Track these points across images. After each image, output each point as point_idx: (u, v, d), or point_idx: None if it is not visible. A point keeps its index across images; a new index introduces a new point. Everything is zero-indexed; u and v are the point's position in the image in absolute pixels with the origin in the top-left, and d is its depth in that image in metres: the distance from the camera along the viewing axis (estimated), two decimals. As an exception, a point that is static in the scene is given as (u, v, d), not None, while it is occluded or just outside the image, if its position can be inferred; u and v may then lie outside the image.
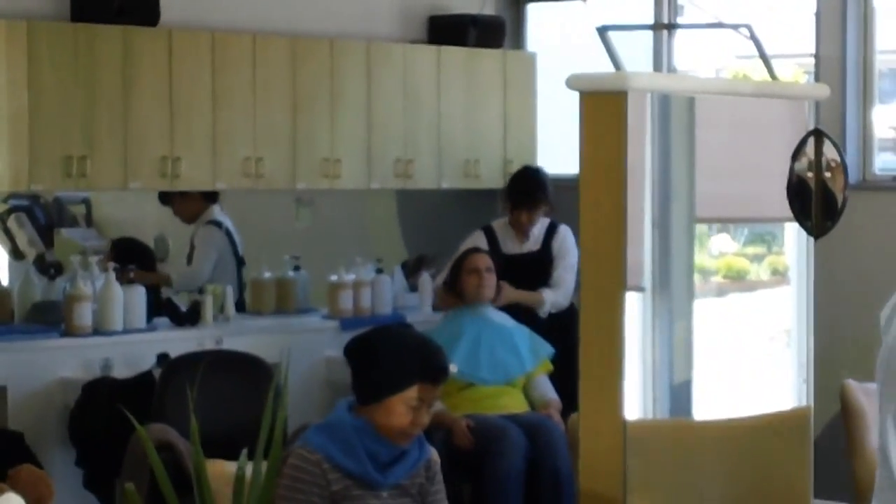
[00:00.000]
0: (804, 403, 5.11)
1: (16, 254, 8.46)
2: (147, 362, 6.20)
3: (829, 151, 4.81)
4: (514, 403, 6.07)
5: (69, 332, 6.23)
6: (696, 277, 4.89)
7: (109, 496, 5.97)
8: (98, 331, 6.29)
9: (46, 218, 8.60)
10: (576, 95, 4.52)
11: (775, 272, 5.27)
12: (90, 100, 6.46)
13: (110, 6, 6.52)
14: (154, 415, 5.49)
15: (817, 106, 5.27)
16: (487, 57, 7.83)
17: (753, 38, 5.12)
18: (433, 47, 7.70)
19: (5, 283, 6.87)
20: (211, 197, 7.34)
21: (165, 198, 7.39)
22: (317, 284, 7.23)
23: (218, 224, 7.34)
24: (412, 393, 3.73)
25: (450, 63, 7.69)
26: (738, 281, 5.15)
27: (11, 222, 8.46)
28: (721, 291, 5.11)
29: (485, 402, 6.01)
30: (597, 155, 4.49)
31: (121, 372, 6.15)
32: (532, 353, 6.16)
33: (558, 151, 7.76)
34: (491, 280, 6.25)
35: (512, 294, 6.40)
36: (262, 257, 7.35)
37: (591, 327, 4.51)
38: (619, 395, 4.45)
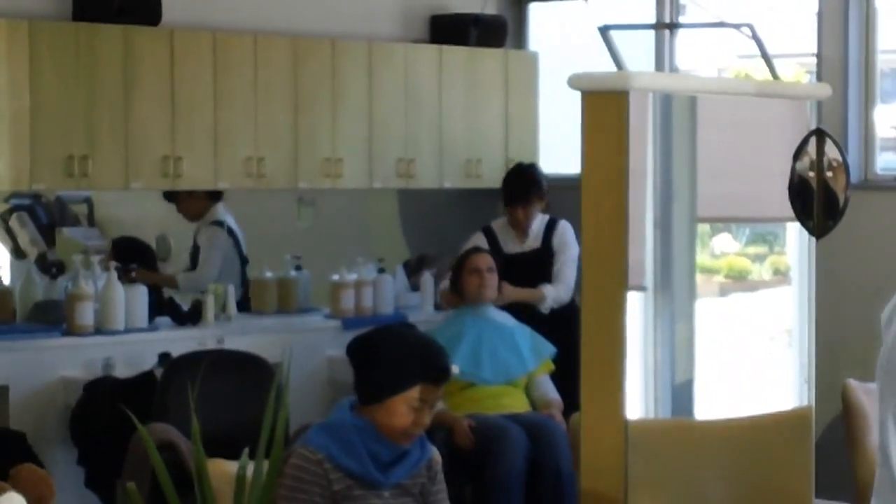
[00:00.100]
0: (805, 403, 5.11)
1: (17, 253, 8.46)
2: (148, 362, 6.20)
3: (831, 151, 4.80)
4: (516, 403, 6.07)
5: (71, 331, 6.24)
6: (698, 277, 4.88)
7: (111, 496, 5.98)
8: (100, 330, 6.29)
9: (48, 217, 8.60)
10: (577, 95, 4.52)
11: (777, 272, 5.27)
12: (91, 99, 6.46)
13: (111, 6, 6.52)
14: (155, 414, 5.49)
15: (819, 105, 5.27)
16: (489, 56, 7.83)
17: (755, 37, 5.12)
18: (435, 47, 7.70)
19: (7, 282, 6.86)
20: (215, 196, 7.34)
21: (170, 195, 7.39)
22: (318, 284, 7.23)
23: (222, 224, 7.34)
24: (414, 393, 3.72)
25: (451, 63, 7.69)
26: (739, 281, 5.15)
27: (13, 221, 8.46)
28: (723, 291, 5.11)
29: (486, 401, 6.01)
30: (598, 154, 4.49)
31: (122, 371, 6.15)
32: (533, 353, 6.16)
33: (560, 151, 7.76)
34: (492, 280, 6.24)
35: (512, 293, 6.40)
36: (263, 257, 7.35)
37: (593, 327, 4.50)
38: (621, 394, 4.45)
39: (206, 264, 7.24)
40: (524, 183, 6.74)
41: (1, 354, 6.03)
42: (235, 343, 6.27)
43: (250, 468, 3.71)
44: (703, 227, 4.93)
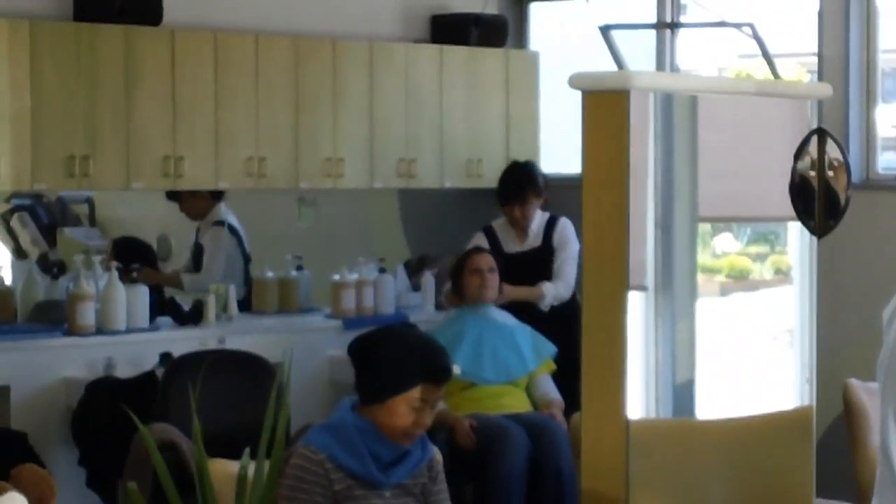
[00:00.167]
0: (807, 403, 5.11)
1: (19, 253, 8.47)
2: (150, 362, 6.20)
3: (832, 151, 4.80)
4: (517, 403, 6.07)
5: (72, 331, 6.24)
6: (699, 277, 4.88)
7: (112, 496, 5.98)
8: (101, 330, 6.29)
9: (49, 217, 8.61)
10: (578, 94, 4.52)
11: (778, 271, 5.27)
12: (93, 99, 6.46)
13: (112, 6, 6.52)
14: (157, 414, 5.49)
15: (820, 105, 5.27)
16: (490, 56, 7.83)
17: (756, 37, 5.12)
18: (435, 47, 7.70)
19: (8, 282, 6.86)
20: (217, 195, 7.35)
21: (172, 194, 7.39)
22: (319, 284, 7.24)
23: (224, 224, 7.34)
24: (415, 394, 3.73)
25: (452, 62, 7.69)
26: (740, 280, 5.15)
27: (14, 222, 8.47)
28: (724, 291, 5.11)
29: (487, 401, 6.01)
30: (599, 154, 4.49)
31: (124, 371, 6.15)
32: (534, 353, 6.16)
33: (561, 151, 7.76)
34: (493, 280, 6.24)
35: (511, 292, 6.40)
36: (264, 257, 7.36)
37: (594, 327, 4.50)
38: (622, 394, 4.45)
39: (211, 265, 7.24)
40: (518, 181, 6.73)
41: (2, 354, 6.03)
42: (236, 343, 6.27)
43: (251, 468, 3.72)
44: (704, 227, 4.93)
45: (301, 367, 6.16)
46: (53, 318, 6.34)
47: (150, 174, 6.67)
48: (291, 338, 6.47)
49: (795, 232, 5.13)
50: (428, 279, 7.33)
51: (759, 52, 5.17)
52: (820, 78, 6.90)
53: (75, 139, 6.41)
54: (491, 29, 7.87)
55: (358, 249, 7.55)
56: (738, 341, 5.01)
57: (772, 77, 5.19)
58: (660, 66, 7.54)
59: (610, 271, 4.48)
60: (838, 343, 6.41)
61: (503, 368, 6.08)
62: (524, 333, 6.19)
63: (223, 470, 4.47)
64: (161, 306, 6.73)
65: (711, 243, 5.04)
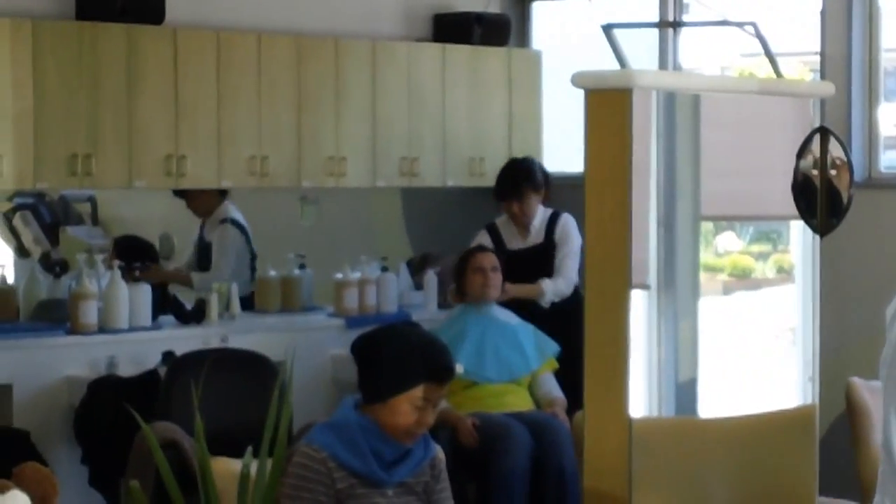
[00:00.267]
0: (809, 401, 5.11)
1: (21, 252, 8.47)
2: (152, 360, 6.20)
3: (835, 149, 4.80)
4: (519, 402, 6.07)
5: (74, 330, 6.24)
6: (702, 275, 4.88)
7: (115, 494, 5.98)
8: (103, 329, 6.30)
9: (52, 216, 8.61)
10: (581, 93, 4.51)
11: (780, 270, 5.27)
12: (95, 98, 6.46)
13: (115, 5, 6.53)
14: (159, 413, 5.49)
15: (823, 104, 5.26)
16: (492, 55, 7.83)
17: (759, 35, 5.11)
18: (438, 45, 7.70)
19: (11, 281, 6.87)
20: (224, 192, 7.36)
21: (179, 191, 7.39)
22: (322, 283, 7.24)
23: (233, 222, 7.34)
24: (417, 393, 3.73)
25: (454, 61, 7.69)
26: (743, 279, 5.14)
27: (17, 220, 8.47)
28: (726, 289, 5.11)
29: (490, 400, 6.01)
30: (602, 153, 4.49)
31: (126, 370, 6.15)
32: (537, 352, 6.16)
33: (563, 149, 7.76)
34: (496, 279, 6.24)
35: (511, 289, 6.39)
36: (267, 255, 7.36)
37: (597, 325, 4.50)
38: (625, 393, 4.45)
39: (220, 263, 7.24)
40: (515, 177, 6.72)
41: (5, 353, 6.04)
42: (239, 342, 6.27)
43: (254, 467, 3.72)
44: (706, 226, 4.92)
45: (303, 366, 6.16)
46: (56, 316, 6.34)
47: (152, 173, 6.67)
48: (294, 336, 6.47)
49: (798, 231, 5.13)
50: (430, 278, 7.33)
51: (762, 51, 5.16)
52: (822, 77, 6.89)
53: (78, 138, 6.42)
54: (493, 28, 7.87)
55: (360, 248, 7.55)
56: (741, 340, 5.01)
57: (774, 76, 5.19)
58: (662, 64, 7.54)
59: (612, 270, 4.47)
60: (841, 342, 6.41)
61: (506, 367, 6.08)
62: (527, 332, 6.19)
63: (225, 468, 4.47)
64: (164, 304, 6.73)
65: (714, 242, 5.04)
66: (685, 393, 4.78)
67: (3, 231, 8.59)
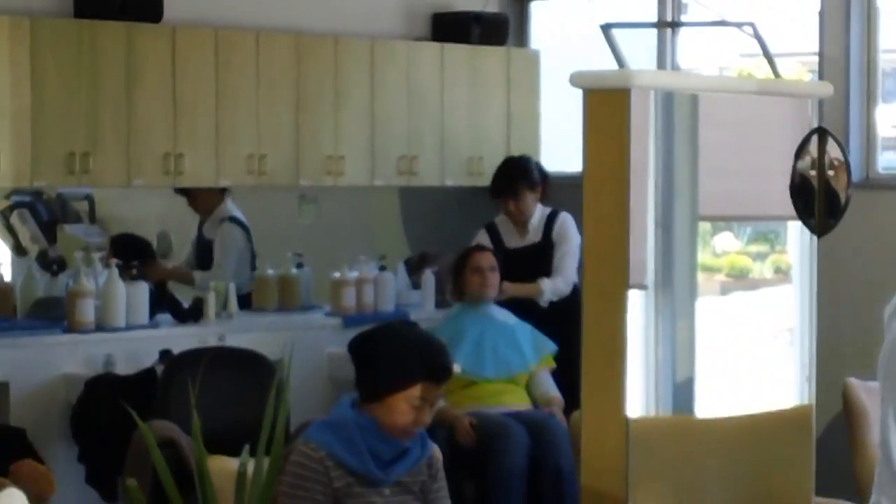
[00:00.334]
0: (806, 401, 5.11)
1: (18, 250, 8.46)
2: (149, 359, 6.20)
3: (833, 150, 4.80)
4: (517, 400, 6.07)
5: (72, 328, 6.24)
6: (699, 275, 4.88)
7: (111, 492, 5.98)
8: (100, 327, 6.30)
9: (49, 214, 8.60)
10: (579, 93, 4.51)
11: (778, 270, 5.27)
12: (93, 96, 6.46)
13: (113, 3, 6.53)
14: (156, 411, 5.49)
15: (821, 104, 5.27)
16: (491, 54, 7.83)
17: (757, 36, 5.11)
18: (437, 45, 7.70)
19: (8, 278, 6.86)
20: (225, 190, 7.36)
21: (182, 188, 7.38)
22: (320, 281, 7.24)
23: (235, 220, 7.35)
24: (415, 392, 3.73)
25: (453, 60, 7.69)
26: (740, 279, 5.14)
27: (14, 218, 8.46)
28: (724, 289, 5.10)
29: (487, 399, 6.01)
30: (600, 152, 4.49)
31: (123, 368, 6.15)
32: (534, 350, 6.16)
33: (561, 149, 7.76)
34: (494, 279, 6.24)
35: (510, 289, 6.39)
36: (265, 254, 7.36)
37: (594, 325, 4.50)
38: (622, 392, 4.45)
39: (223, 261, 7.24)
40: (511, 175, 6.72)
41: (1, 351, 6.03)
42: (236, 340, 6.27)
43: (251, 465, 3.72)
44: (704, 226, 4.92)
45: (301, 365, 6.14)
46: (53, 314, 6.34)
47: (150, 171, 6.67)
48: (291, 335, 6.45)
49: (795, 231, 5.13)
50: (428, 277, 7.33)
51: (760, 52, 5.16)
52: (821, 77, 6.90)
53: (76, 136, 6.41)
54: (492, 27, 7.87)
55: (358, 247, 7.55)
56: (738, 340, 5.01)
57: (772, 76, 5.19)
58: (661, 64, 7.55)
59: (610, 269, 4.47)
60: (838, 342, 6.41)
61: (504, 366, 6.08)
62: (524, 331, 6.19)
63: (223, 467, 4.47)
64: (162, 302, 6.72)
65: (711, 242, 5.04)
66: (682, 392, 4.78)
67: (1, 229, 8.58)
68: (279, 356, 5.69)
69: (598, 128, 4.48)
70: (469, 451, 5.78)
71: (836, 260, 6.42)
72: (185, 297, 6.85)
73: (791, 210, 4.82)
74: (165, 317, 6.65)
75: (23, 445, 5.71)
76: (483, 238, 6.70)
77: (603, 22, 4.77)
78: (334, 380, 6.71)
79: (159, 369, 5.88)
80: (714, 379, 4.87)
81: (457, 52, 7.71)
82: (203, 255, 7.38)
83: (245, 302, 7.04)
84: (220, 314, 6.77)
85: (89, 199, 8.79)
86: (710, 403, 4.86)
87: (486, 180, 7.48)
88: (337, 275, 7.07)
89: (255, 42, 6.97)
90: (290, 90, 7.08)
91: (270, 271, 7.13)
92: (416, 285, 7.47)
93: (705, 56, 8.01)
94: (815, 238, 5.02)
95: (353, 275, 7.10)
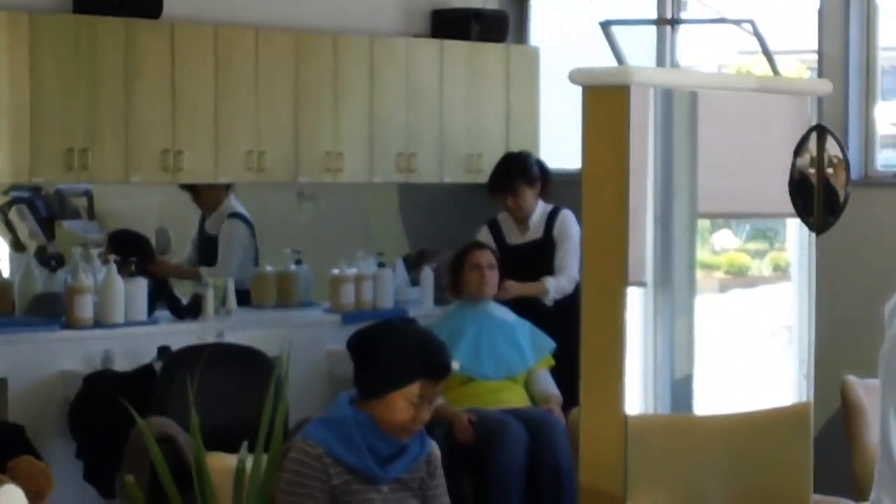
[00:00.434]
0: (804, 399, 5.11)
1: (17, 246, 8.45)
2: (148, 355, 6.20)
3: (832, 147, 4.80)
4: (515, 398, 6.07)
5: (70, 324, 6.23)
6: (698, 273, 4.88)
7: (110, 489, 5.98)
8: (99, 323, 6.29)
9: (48, 210, 8.60)
10: (578, 90, 4.51)
11: (777, 268, 5.27)
12: (92, 92, 6.46)
13: (112, -1, 6.53)
14: (155, 408, 5.50)
15: (820, 102, 5.26)
16: (490, 51, 7.83)
17: (756, 33, 5.11)
18: (436, 41, 7.69)
19: (6, 274, 6.87)
20: (229, 186, 7.36)
21: (187, 184, 7.38)
22: (318, 278, 7.24)
23: (239, 216, 7.35)
24: (414, 389, 3.73)
25: (452, 57, 7.69)
26: (739, 277, 5.14)
27: (13, 214, 8.46)
28: (722, 287, 5.10)
29: (486, 396, 6.01)
30: (599, 150, 4.48)
31: (121, 365, 6.15)
32: (533, 348, 6.16)
33: (561, 146, 7.76)
34: (493, 277, 6.23)
35: (515, 288, 6.39)
36: (263, 251, 7.36)
37: (593, 322, 4.50)
38: (620, 390, 4.45)
39: (228, 257, 7.24)
40: (509, 171, 6.72)
41: (0, 347, 6.03)
42: (235, 337, 6.27)
43: (249, 462, 3.72)
44: (703, 223, 4.92)
45: (299, 361, 6.16)
46: (51, 310, 6.34)
47: (149, 168, 6.67)
48: (290, 332, 6.46)
49: (794, 228, 5.13)
50: (427, 274, 7.33)
51: (759, 49, 5.16)
52: (820, 75, 6.90)
53: (74, 132, 6.41)
54: (491, 24, 7.87)
55: (357, 244, 7.54)
56: (737, 337, 5.01)
57: (772, 73, 5.18)
58: (660, 62, 7.55)
59: (609, 267, 4.47)
60: (836, 340, 6.41)
61: (503, 364, 6.08)
62: (523, 329, 6.19)
63: (221, 463, 4.47)
64: (160, 297, 6.72)
65: (710, 239, 5.04)
66: (681, 390, 4.78)
67: (-1, 225, 8.59)
68: (278, 353, 5.70)
69: (598, 125, 4.48)
70: (467, 448, 5.78)
71: (835, 258, 6.42)
72: (183, 294, 6.85)
73: (790, 208, 4.82)
74: (164, 313, 6.65)
75: (21, 442, 5.72)
76: (485, 234, 6.70)
77: (602, 19, 4.77)
78: (333, 377, 6.71)
79: (158, 366, 5.88)
80: (712, 376, 4.87)
81: (456, 49, 7.71)
82: (205, 251, 7.38)
83: (244, 298, 7.03)
84: (219, 311, 6.76)
85: (88, 195, 8.79)
86: (709, 401, 4.86)
87: (484, 177, 7.48)
88: (336, 271, 7.07)
89: (255, 39, 6.97)
90: (290, 87, 7.08)
91: (269, 268, 7.13)
92: (414, 282, 7.47)
93: (704, 53, 8.00)
94: (813, 236, 5.02)
95: (352, 271, 7.10)
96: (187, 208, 7.56)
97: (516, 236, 6.73)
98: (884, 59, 6.97)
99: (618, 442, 4.43)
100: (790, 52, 7.51)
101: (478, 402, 5.97)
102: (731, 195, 4.95)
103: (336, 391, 5.65)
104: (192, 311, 6.65)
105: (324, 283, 7.14)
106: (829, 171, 4.79)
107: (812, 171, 4.79)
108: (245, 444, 3.77)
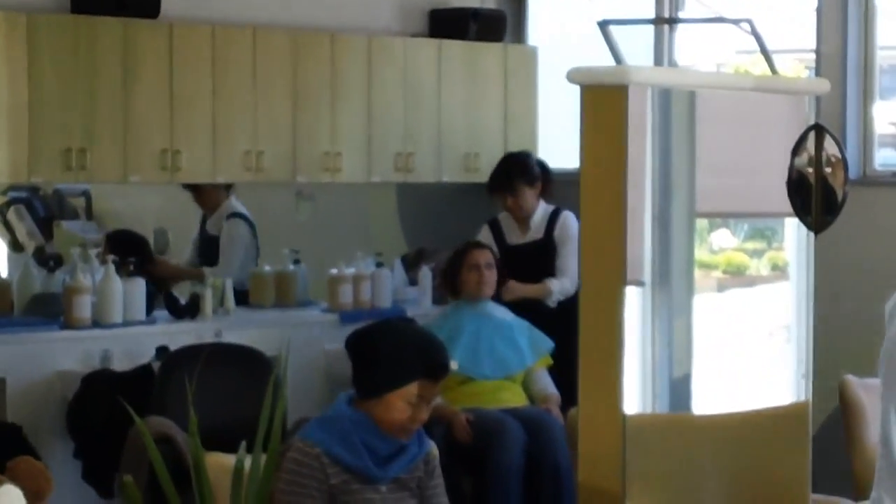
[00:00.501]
0: (803, 398, 5.11)
1: (15, 246, 8.46)
2: (146, 355, 6.20)
3: (830, 147, 4.80)
4: (514, 397, 6.07)
5: (68, 324, 6.23)
6: (696, 272, 4.88)
7: (108, 489, 5.97)
8: (97, 323, 6.29)
9: (46, 210, 8.60)
10: (576, 89, 4.51)
11: (775, 267, 5.27)
12: (90, 92, 6.46)
13: (111, -1, 6.53)
14: (153, 407, 5.49)
15: (818, 101, 5.26)
16: (488, 51, 7.83)
17: (754, 33, 5.11)
18: (434, 41, 7.69)
19: (5, 275, 6.87)
20: (230, 186, 7.36)
21: (188, 184, 7.38)
22: (317, 278, 7.24)
23: (240, 216, 7.35)
24: (412, 389, 3.73)
25: (450, 57, 7.69)
26: (737, 276, 5.14)
27: (11, 214, 8.46)
28: (721, 286, 5.10)
29: (484, 396, 6.01)
30: (597, 149, 4.48)
31: (120, 364, 6.15)
32: (532, 348, 6.16)
33: (559, 145, 7.76)
34: (491, 277, 6.22)
35: (518, 289, 6.39)
36: (262, 250, 7.36)
37: (591, 322, 4.50)
38: (619, 389, 4.45)
39: (230, 257, 7.25)
40: (507, 171, 6.71)
41: (-2, 347, 6.04)
42: (233, 336, 6.27)
43: (248, 462, 3.72)
44: (701, 223, 4.92)
45: (298, 361, 6.16)
46: (50, 310, 6.34)
47: (147, 167, 6.67)
48: (288, 331, 6.45)
49: (792, 228, 5.13)
50: (425, 273, 7.33)
51: (758, 48, 5.16)
52: (818, 74, 6.90)
53: (73, 132, 6.41)
54: (489, 23, 7.87)
55: (355, 243, 7.55)
56: (735, 337, 5.01)
57: (770, 73, 5.18)
58: (658, 61, 7.55)
59: (607, 266, 4.47)
60: (835, 339, 6.41)
61: (501, 364, 6.08)
62: (521, 328, 6.19)
63: (219, 463, 4.47)
64: (158, 297, 6.71)
65: (709, 239, 5.04)
66: (679, 389, 4.78)
67: (-3, 225, 8.59)
68: (276, 353, 5.70)
69: (596, 124, 4.48)
70: (466, 447, 5.78)
71: (833, 257, 6.42)
72: (181, 294, 6.85)
73: (788, 207, 4.82)
74: (162, 313, 6.65)
75: (19, 442, 5.71)
76: (485, 233, 6.70)
77: (600, 18, 4.77)
78: (331, 376, 6.71)
79: (156, 366, 5.89)
80: (711, 376, 4.87)
81: (454, 49, 7.71)
82: (207, 251, 7.39)
83: (242, 298, 7.03)
84: (217, 310, 6.76)
85: (86, 195, 8.80)
86: (707, 400, 4.86)
87: (482, 177, 7.48)
88: (334, 271, 7.07)
89: (252, 38, 6.97)
90: (287, 86, 7.08)
91: (267, 268, 7.13)
92: (413, 282, 7.47)
93: (702, 53, 8.01)
94: (812, 235, 5.02)
95: (350, 271, 7.10)
96: (186, 208, 7.56)
97: (517, 236, 6.73)
98: (882, 58, 6.98)
99: (616, 441, 4.43)
100: (788, 52, 7.52)
101: (476, 401, 5.97)
102: (729, 194, 4.95)
103: (334, 391, 5.66)
104: (190, 310, 6.65)
105: (322, 283, 7.14)
106: (828, 170, 4.79)
107: (810, 170, 4.79)
108: (243, 443, 3.77)
